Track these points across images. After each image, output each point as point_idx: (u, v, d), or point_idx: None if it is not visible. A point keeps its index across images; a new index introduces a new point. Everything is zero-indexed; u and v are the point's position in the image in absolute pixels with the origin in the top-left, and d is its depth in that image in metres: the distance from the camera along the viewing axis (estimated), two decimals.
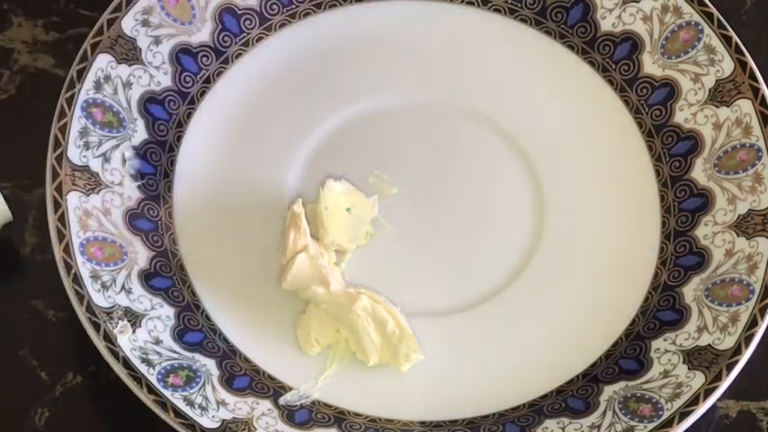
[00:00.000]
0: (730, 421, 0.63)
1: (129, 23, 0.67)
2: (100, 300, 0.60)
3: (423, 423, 0.61)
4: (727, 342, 0.60)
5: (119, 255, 0.62)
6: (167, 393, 0.58)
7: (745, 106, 0.66)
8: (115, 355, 0.58)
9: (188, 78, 0.69)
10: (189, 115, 0.68)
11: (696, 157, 0.67)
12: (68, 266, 0.60)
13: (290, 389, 0.61)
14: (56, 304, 0.65)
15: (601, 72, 0.71)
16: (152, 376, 0.58)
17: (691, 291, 0.63)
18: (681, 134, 0.68)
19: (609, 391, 0.61)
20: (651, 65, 0.69)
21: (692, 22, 0.69)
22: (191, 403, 0.58)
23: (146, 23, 0.67)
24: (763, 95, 0.66)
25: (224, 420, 0.58)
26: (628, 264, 0.66)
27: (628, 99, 0.70)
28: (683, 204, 0.66)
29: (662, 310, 0.63)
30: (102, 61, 0.66)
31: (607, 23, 0.71)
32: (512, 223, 0.67)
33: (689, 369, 0.60)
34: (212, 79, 0.70)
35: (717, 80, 0.67)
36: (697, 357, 0.60)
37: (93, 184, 0.63)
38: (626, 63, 0.70)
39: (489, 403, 0.61)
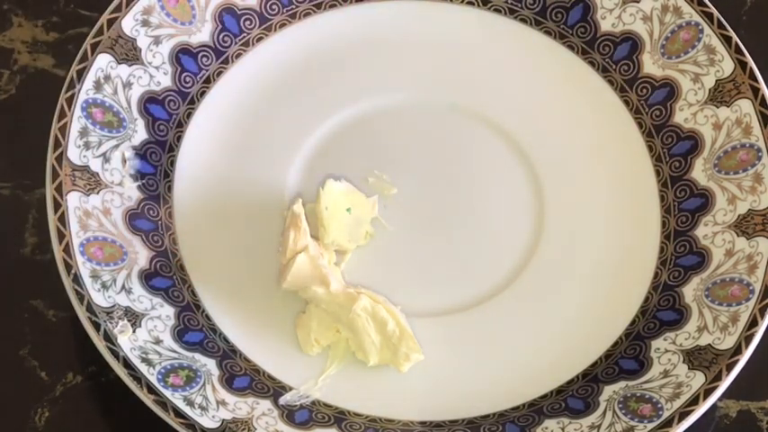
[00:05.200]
0: (730, 421, 0.63)
1: (128, 23, 0.67)
2: (100, 300, 0.60)
3: (423, 423, 0.61)
4: (728, 342, 0.60)
5: (119, 255, 0.62)
6: (167, 393, 0.58)
7: (745, 106, 0.66)
8: (115, 354, 0.58)
9: (188, 78, 0.69)
10: (189, 115, 0.68)
11: (696, 157, 0.67)
12: (68, 266, 0.60)
13: (290, 389, 0.61)
14: (56, 304, 0.65)
15: (601, 72, 0.71)
16: (152, 376, 0.58)
17: (691, 291, 0.63)
18: (681, 134, 0.68)
19: (609, 390, 0.61)
20: (651, 65, 0.69)
21: (692, 22, 0.69)
22: (191, 403, 0.58)
23: (145, 23, 0.67)
24: (763, 95, 0.66)
25: (224, 420, 0.58)
26: (628, 264, 0.66)
27: (628, 99, 0.70)
28: (683, 204, 0.66)
29: (662, 309, 0.63)
30: (102, 61, 0.66)
31: (607, 23, 0.71)
32: (512, 223, 0.67)
33: (689, 369, 0.60)
34: (212, 79, 0.70)
35: (717, 80, 0.67)
36: (697, 357, 0.60)
37: (93, 184, 0.63)
38: (626, 63, 0.70)
39: (489, 403, 0.61)
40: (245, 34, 0.71)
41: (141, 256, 0.63)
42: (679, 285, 0.64)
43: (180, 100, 0.68)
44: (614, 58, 0.70)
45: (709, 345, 0.60)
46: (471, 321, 0.64)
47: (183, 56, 0.69)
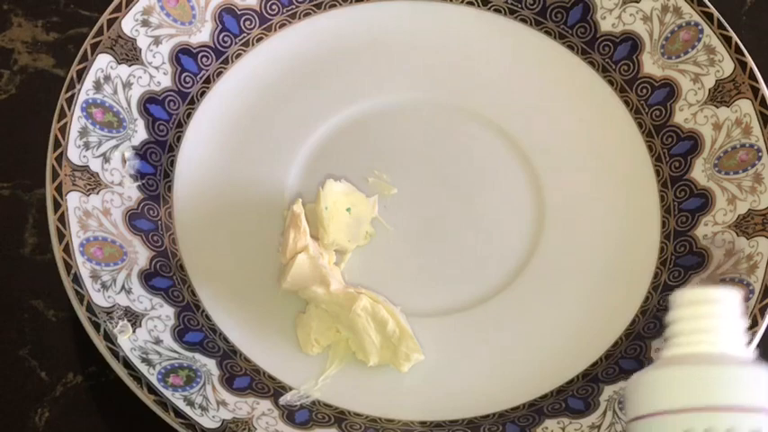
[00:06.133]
0: None
1: (128, 23, 0.67)
2: (100, 300, 0.60)
3: (423, 423, 0.61)
4: None
5: (119, 255, 0.62)
6: (167, 393, 0.58)
7: (745, 106, 0.66)
8: (115, 354, 0.58)
9: (188, 78, 0.69)
10: (189, 115, 0.68)
11: (696, 157, 0.67)
12: (68, 266, 0.60)
13: (290, 389, 0.61)
14: (56, 304, 0.65)
15: (601, 72, 0.71)
16: (152, 376, 0.58)
17: None
18: (681, 134, 0.68)
19: (609, 391, 0.61)
20: (651, 65, 0.69)
21: (692, 23, 0.69)
22: (191, 403, 0.58)
23: (146, 23, 0.67)
24: (763, 96, 0.66)
25: (224, 420, 0.58)
26: (628, 264, 0.66)
27: (628, 99, 0.70)
28: (683, 204, 0.66)
29: (662, 309, 0.63)
30: (102, 61, 0.66)
31: (607, 24, 0.71)
32: (512, 223, 0.67)
33: None
34: (212, 79, 0.70)
35: (717, 80, 0.67)
36: None
37: (93, 184, 0.63)
38: (626, 63, 0.70)
39: (489, 403, 0.61)
40: (245, 34, 0.71)
41: (141, 256, 0.63)
42: (679, 285, 0.64)
43: (180, 100, 0.68)
44: (614, 58, 0.70)
45: None
46: (471, 321, 0.64)
47: (182, 56, 0.69)
